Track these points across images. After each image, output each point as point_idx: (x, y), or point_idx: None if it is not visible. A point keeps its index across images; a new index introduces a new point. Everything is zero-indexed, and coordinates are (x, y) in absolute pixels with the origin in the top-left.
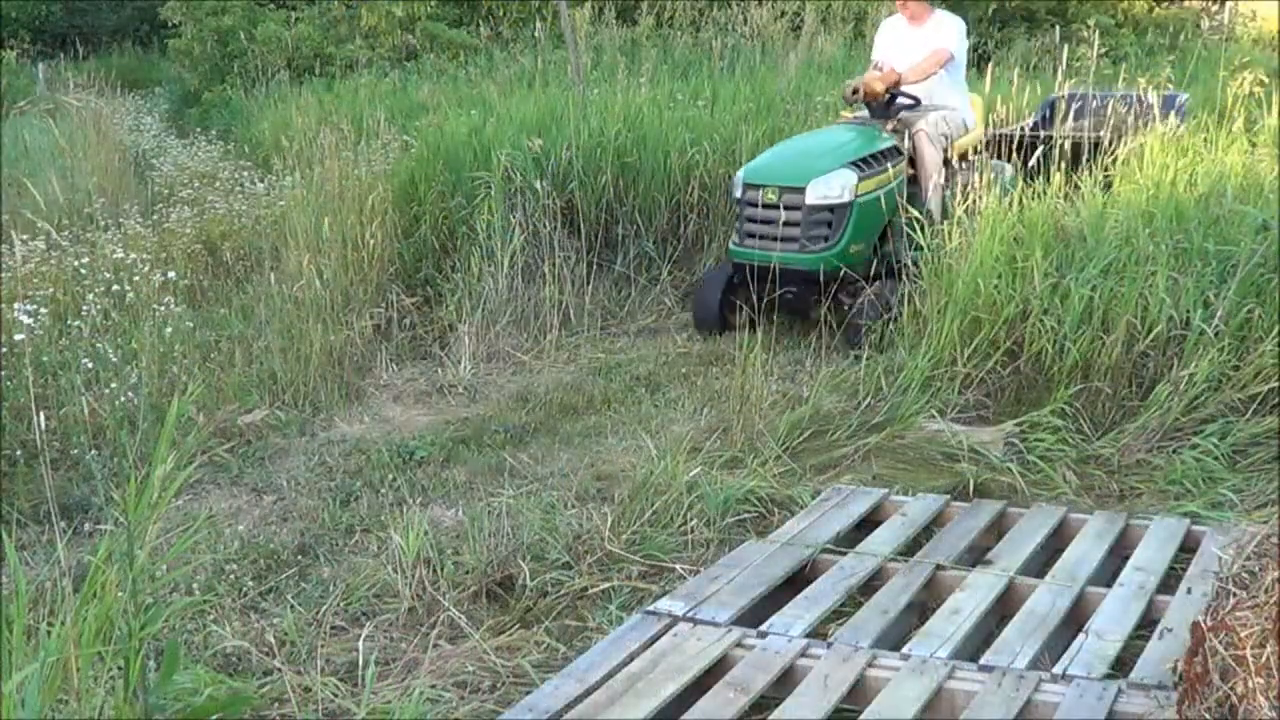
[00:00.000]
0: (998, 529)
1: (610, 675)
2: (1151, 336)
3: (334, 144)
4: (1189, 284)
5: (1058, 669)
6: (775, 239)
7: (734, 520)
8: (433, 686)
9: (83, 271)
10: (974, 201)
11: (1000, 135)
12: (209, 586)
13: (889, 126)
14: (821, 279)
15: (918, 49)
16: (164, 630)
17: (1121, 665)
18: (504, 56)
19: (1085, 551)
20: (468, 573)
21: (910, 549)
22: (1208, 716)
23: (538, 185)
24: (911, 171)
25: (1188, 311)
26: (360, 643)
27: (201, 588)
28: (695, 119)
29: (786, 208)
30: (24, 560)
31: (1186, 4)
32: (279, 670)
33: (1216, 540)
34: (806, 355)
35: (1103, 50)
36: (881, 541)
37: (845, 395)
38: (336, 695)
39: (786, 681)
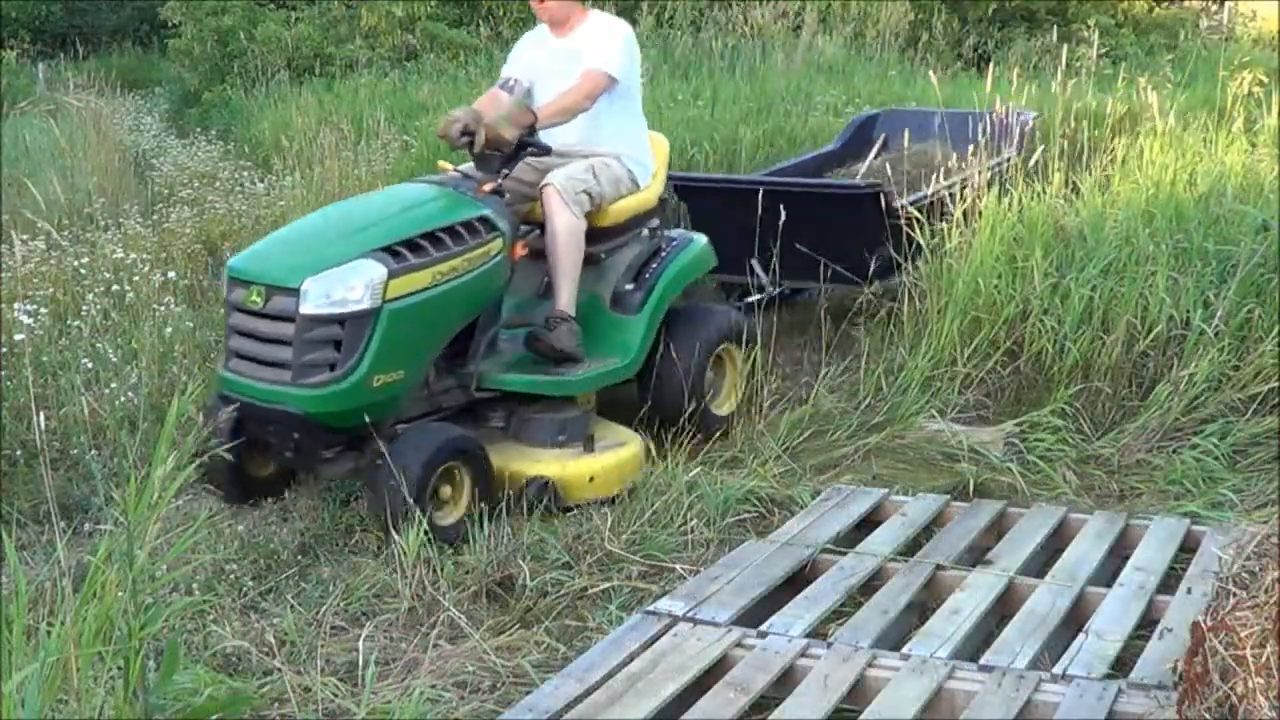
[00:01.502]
0: (998, 529)
1: (610, 675)
2: (1151, 336)
3: (334, 144)
4: (1189, 284)
5: (1058, 669)
6: (264, 363)
7: (734, 520)
8: (433, 686)
9: (83, 271)
10: (973, 202)
11: (708, 184)
12: (209, 586)
13: (488, 186)
14: (331, 425)
15: (564, 66)
16: (164, 630)
17: (1121, 665)
18: (504, 57)
19: (1085, 551)
20: (468, 573)
21: (910, 549)
22: (1208, 716)
23: None
24: (526, 253)
25: (1188, 311)
26: (360, 643)
27: (201, 588)
28: (695, 119)
29: (275, 317)
30: (24, 560)
31: (1186, 4)
32: (279, 670)
33: (1216, 540)
34: (805, 355)
35: (1103, 50)
36: (881, 541)
37: (845, 395)
38: (336, 695)
39: (786, 681)
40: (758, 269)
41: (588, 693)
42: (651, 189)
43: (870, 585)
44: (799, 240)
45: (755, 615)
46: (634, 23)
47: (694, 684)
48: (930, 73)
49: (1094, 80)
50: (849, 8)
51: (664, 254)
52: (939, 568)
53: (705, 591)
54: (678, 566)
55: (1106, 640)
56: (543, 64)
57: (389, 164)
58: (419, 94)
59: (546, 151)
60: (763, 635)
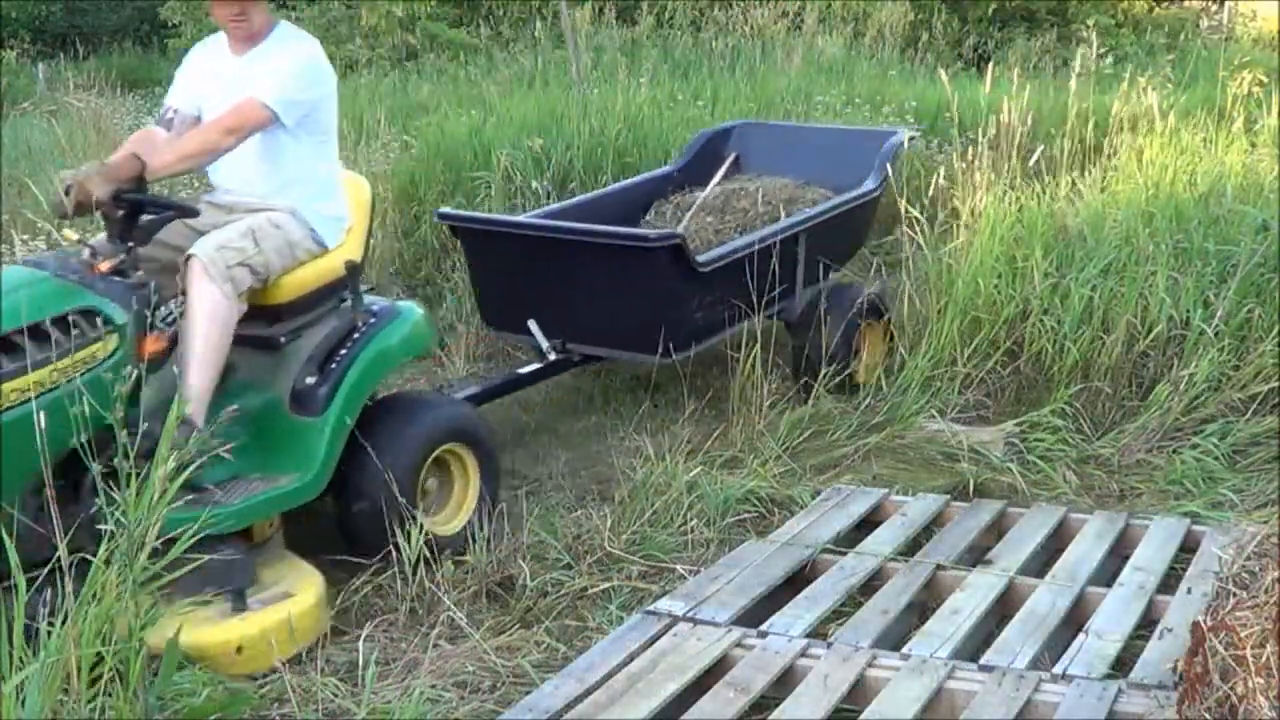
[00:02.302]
0: (998, 529)
1: (610, 675)
2: (1151, 336)
3: None
4: (1189, 284)
5: (1058, 669)
6: None
7: (734, 520)
8: (433, 686)
9: None
10: (974, 203)
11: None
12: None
13: (105, 265)
14: None
15: (240, 92)
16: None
17: (1121, 665)
18: (504, 56)
19: (1085, 551)
20: (468, 573)
21: (910, 549)
22: (1208, 716)
23: (537, 185)
24: (163, 346)
25: (1188, 311)
26: (360, 643)
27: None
28: (695, 119)
29: None
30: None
31: (1186, 4)
32: (279, 670)
33: (1216, 540)
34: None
35: (1103, 50)
36: (881, 541)
37: (845, 395)
38: (336, 695)
39: (786, 681)
40: (536, 331)
41: (588, 693)
42: (345, 249)
43: (870, 585)
44: (588, 297)
45: (755, 615)
46: (634, 23)
47: (694, 684)
48: (941, 70)
49: (1094, 80)
50: (849, 8)
51: (359, 334)
52: (939, 568)
53: (705, 591)
54: (678, 566)
55: (1106, 640)
56: (213, 88)
57: (389, 164)
58: (419, 94)
59: (191, 213)
60: (763, 635)
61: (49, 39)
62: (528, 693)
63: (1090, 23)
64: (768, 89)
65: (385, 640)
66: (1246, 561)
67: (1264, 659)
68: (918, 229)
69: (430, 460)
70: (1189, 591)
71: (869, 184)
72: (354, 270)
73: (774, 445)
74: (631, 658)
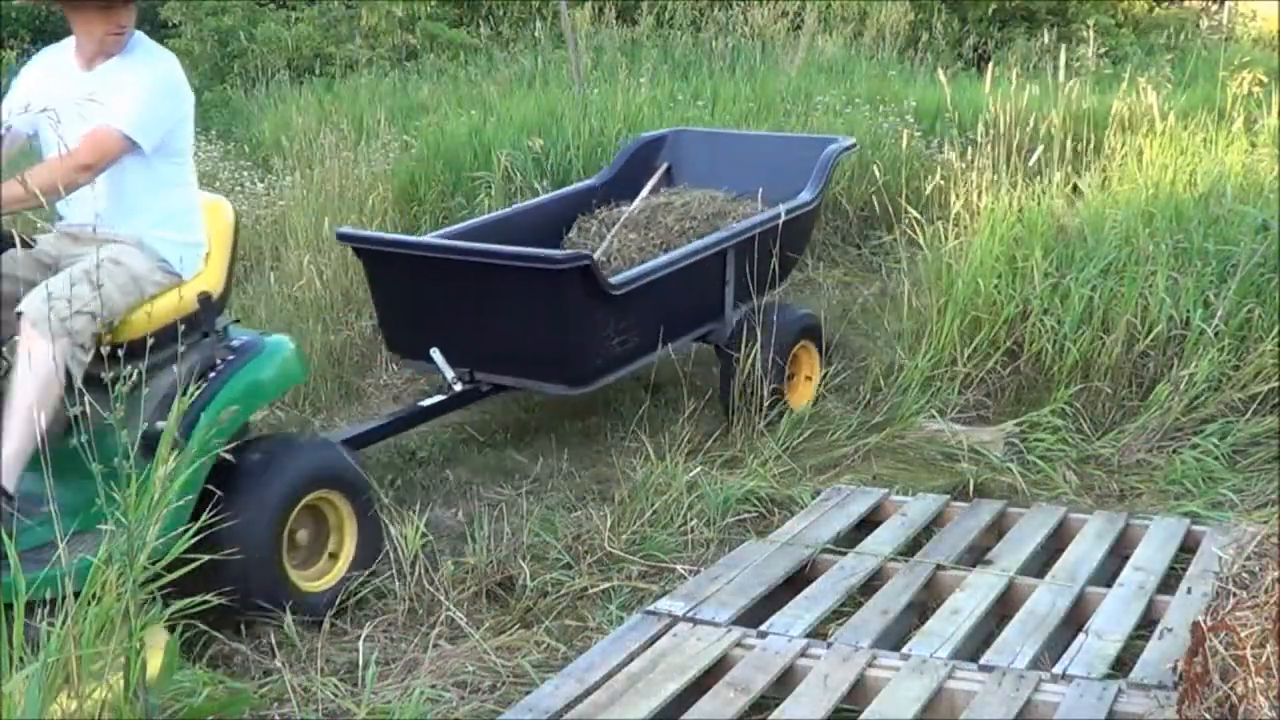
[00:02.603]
0: (998, 529)
1: (610, 675)
2: (1151, 336)
3: (334, 144)
4: (1189, 284)
5: (1058, 669)
6: None
7: (734, 520)
8: (433, 686)
9: None
10: (974, 203)
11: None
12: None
13: None
14: None
15: (84, 110)
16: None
17: (1121, 665)
18: (504, 56)
19: (1085, 551)
20: (468, 573)
21: (910, 549)
22: (1208, 716)
23: (538, 185)
24: None
25: (1188, 311)
26: (360, 643)
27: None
28: (695, 119)
29: None
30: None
31: (1186, 4)
32: (279, 670)
33: (1216, 540)
34: None
35: (1103, 50)
36: (881, 541)
37: (845, 395)
38: (336, 695)
39: (786, 681)
40: (439, 360)
41: (588, 693)
42: (203, 278)
43: (870, 585)
44: (494, 323)
45: (755, 615)
46: (634, 23)
47: (694, 684)
48: (940, 70)
49: (1093, 80)
50: (849, 8)
51: (216, 371)
52: (939, 568)
53: (705, 591)
54: (678, 566)
55: (1106, 640)
56: (56, 104)
57: (389, 164)
58: (419, 94)
59: (28, 244)
60: (763, 635)
61: (49, 39)
62: (528, 693)
63: (1090, 23)
64: (768, 89)
65: (385, 640)
66: (1246, 561)
67: (1264, 659)
68: (917, 229)
69: (300, 509)
70: (1189, 591)
71: (805, 195)
72: (208, 302)
73: (774, 445)
74: (631, 658)
